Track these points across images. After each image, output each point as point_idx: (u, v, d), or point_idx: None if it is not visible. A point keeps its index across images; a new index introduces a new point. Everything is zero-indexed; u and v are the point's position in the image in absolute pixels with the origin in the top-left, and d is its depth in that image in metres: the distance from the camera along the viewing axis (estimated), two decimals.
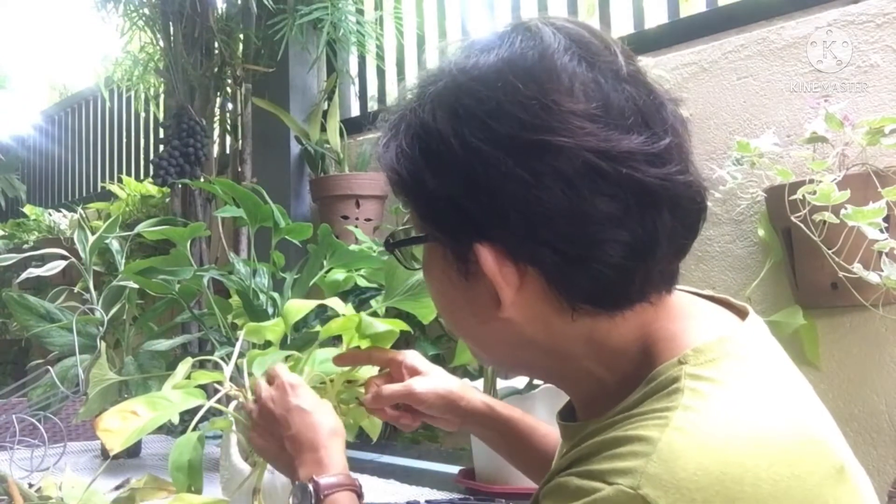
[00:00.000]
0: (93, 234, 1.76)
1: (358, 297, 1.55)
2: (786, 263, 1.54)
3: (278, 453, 0.88)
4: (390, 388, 0.95)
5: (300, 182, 2.67)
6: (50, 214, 3.71)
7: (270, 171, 2.64)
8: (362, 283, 1.59)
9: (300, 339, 1.37)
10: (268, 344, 1.11)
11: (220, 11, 2.66)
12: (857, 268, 1.33)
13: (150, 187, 3.20)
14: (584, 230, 0.56)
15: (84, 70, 5.36)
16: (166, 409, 0.95)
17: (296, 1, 2.38)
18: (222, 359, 1.09)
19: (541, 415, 1.32)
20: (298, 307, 1.15)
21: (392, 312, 1.30)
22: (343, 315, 1.03)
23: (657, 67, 1.75)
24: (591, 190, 0.56)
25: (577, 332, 0.61)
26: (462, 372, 1.67)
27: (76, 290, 1.77)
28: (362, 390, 0.99)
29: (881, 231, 1.29)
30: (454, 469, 1.52)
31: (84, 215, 2.89)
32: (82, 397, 1.50)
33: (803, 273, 1.49)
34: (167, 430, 1.81)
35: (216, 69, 2.62)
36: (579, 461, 0.56)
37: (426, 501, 1.25)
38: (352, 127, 2.65)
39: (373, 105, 2.75)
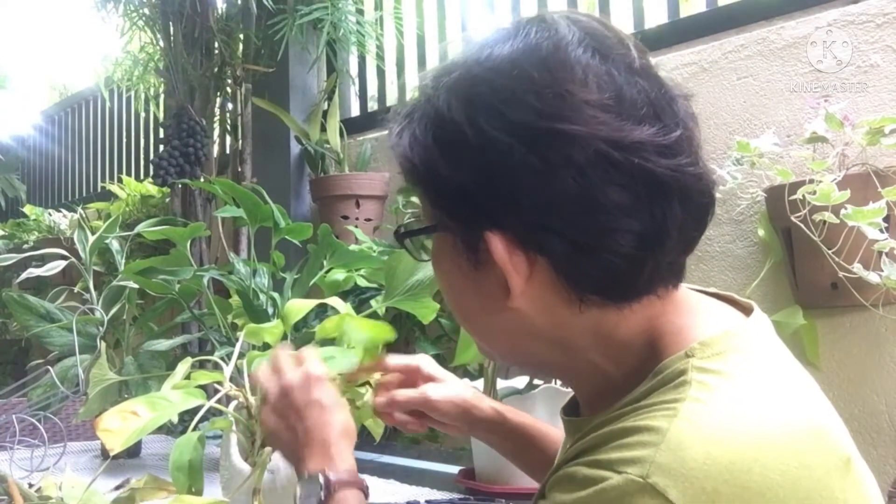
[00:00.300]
0: (93, 234, 1.76)
1: (358, 297, 1.55)
2: (786, 263, 1.54)
3: (287, 438, 0.87)
4: (405, 393, 0.94)
5: (300, 182, 2.67)
6: (50, 214, 3.70)
7: (270, 171, 2.64)
8: (362, 283, 1.59)
9: (300, 339, 1.37)
10: (266, 346, 1.11)
11: (220, 11, 2.65)
12: (857, 268, 1.33)
13: (150, 187, 3.20)
14: (594, 219, 0.57)
15: (84, 70, 5.36)
16: (166, 409, 0.94)
17: (296, 1, 2.38)
18: (222, 359, 1.09)
19: (541, 415, 1.32)
20: (298, 307, 1.15)
21: (392, 312, 1.30)
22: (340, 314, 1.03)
23: (657, 67, 1.74)
24: (602, 179, 0.56)
25: (585, 324, 0.62)
26: (462, 372, 1.67)
27: (76, 290, 1.77)
28: (362, 391, 0.99)
29: (881, 231, 1.29)
30: (454, 469, 1.52)
31: (84, 215, 2.89)
32: (82, 397, 1.50)
33: (803, 273, 1.49)
34: (167, 430, 1.81)
35: (216, 69, 2.62)
36: (586, 452, 0.56)
37: (426, 501, 1.25)
38: (352, 127, 2.65)
39: (373, 105, 2.75)
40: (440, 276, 0.68)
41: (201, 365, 1.10)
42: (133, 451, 1.74)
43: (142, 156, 4.23)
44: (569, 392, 1.34)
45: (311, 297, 1.25)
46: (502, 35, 0.61)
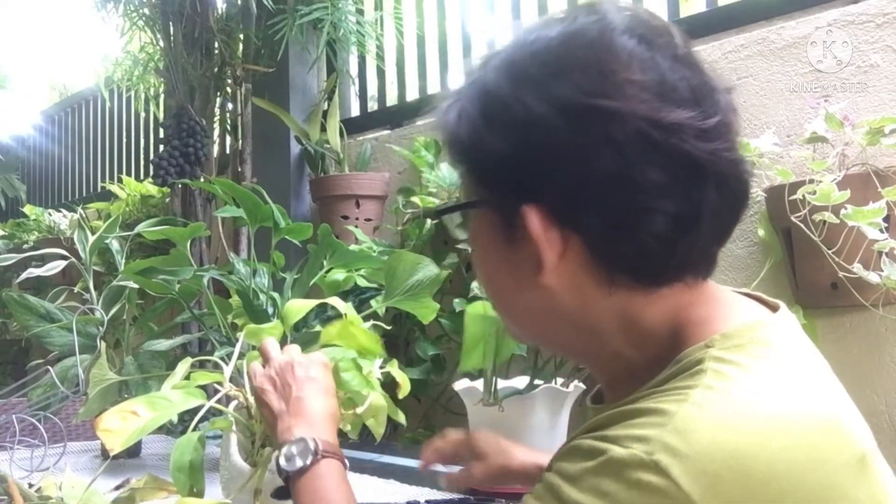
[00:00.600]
0: (93, 234, 1.76)
1: (358, 297, 1.55)
2: (786, 263, 1.54)
3: (276, 404, 0.89)
4: (457, 477, 1.09)
5: (300, 182, 2.67)
6: (50, 214, 3.71)
7: (270, 171, 2.64)
8: (362, 283, 1.59)
9: (300, 339, 1.37)
10: None
11: (220, 11, 2.66)
12: (857, 268, 1.33)
13: (150, 187, 3.21)
14: (631, 197, 0.58)
15: (84, 70, 5.36)
16: (166, 409, 0.94)
17: (296, 1, 2.38)
18: (222, 359, 1.09)
19: (541, 415, 1.32)
20: (298, 307, 1.15)
21: (392, 312, 1.30)
22: (344, 317, 1.03)
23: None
24: (640, 158, 0.57)
25: (612, 307, 0.62)
26: (462, 373, 1.66)
27: (76, 290, 1.77)
28: (364, 392, 0.98)
29: (881, 231, 1.29)
30: (454, 469, 1.51)
31: (84, 215, 2.89)
32: (82, 397, 1.50)
33: (803, 273, 1.49)
34: (167, 430, 1.81)
35: (216, 69, 2.62)
36: (595, 429, 0.57)
37: (426, 501, 1.25)
38: (352, 127, 2.65)
39: (373, 105, 2.75)
40: (476, 253, 0.70)
41: (201, 365, 1.10)
42: (133, 451, 1.73)
43: (142, 156, 4.23)
44: (569, 392, 1.34)
45: (311, 297, 1.25)
46: (551, 20, 0.64)
